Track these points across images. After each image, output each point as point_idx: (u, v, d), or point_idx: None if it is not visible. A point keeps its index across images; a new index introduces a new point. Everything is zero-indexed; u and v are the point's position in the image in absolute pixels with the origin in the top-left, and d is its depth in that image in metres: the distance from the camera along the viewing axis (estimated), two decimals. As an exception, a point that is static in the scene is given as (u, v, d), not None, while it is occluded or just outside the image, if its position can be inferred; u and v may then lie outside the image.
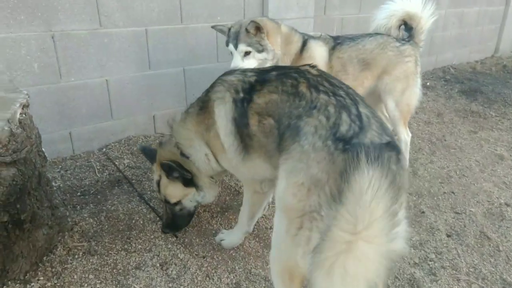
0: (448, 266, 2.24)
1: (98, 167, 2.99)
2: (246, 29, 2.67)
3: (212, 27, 2.88)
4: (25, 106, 1.72)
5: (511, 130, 4.25)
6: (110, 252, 2.14)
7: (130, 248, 2.19)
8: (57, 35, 2.84)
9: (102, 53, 3.09)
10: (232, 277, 2.07)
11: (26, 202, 1.76)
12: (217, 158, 2.02)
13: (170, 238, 2.30)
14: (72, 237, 2.20)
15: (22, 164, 1.66)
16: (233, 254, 2.23)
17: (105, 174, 2.93)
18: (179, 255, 2.17)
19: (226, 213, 2.59)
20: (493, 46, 7.77)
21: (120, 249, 2.17)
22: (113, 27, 3.08)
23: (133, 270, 2.04)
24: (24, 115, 1.68)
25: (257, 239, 2.35)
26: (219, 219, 2.53)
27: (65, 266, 2.01)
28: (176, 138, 2.11)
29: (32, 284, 1.87)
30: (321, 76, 1.68)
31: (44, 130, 2.38)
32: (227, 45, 2.77)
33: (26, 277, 1.90)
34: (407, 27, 3.27)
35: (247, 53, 2.70)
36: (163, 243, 2.25)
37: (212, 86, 1.97)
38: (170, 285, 1.98)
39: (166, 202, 2.21)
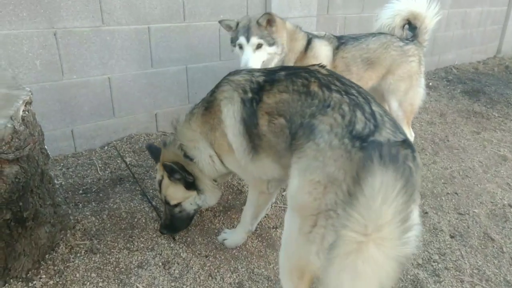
0: (452, 267, 2.23)
1: (100, 165, 2.98)
2: (258, 22, 2.64)
3: (219, 21, 2.83)
4: (28, 103, 1.70)
5: (514, 131, 4.24)
6: (112, 250, 2.13)
7: (132, 246, 2.18)
8: (59, 32, 2.83)
9: (105, 51, 3.07)
10: (234, 277, 2.05)
11: (28, 199, 1.75)
12: (222, 159, 2.00)
13: (176, 234, 2.29)
14: (74, 235, 2.19)
15: (25, 162, 1.65)
16: (236, 254, 2.21)
17: (107, 172, 2.91)
18: (181, 254, 2.16)
19: (229, 212, 2.58)
20: (495, 46, 7.75)
21: (122, 248, 2.16)
22: (116, 25, 3.07)
23: (136, 269, 2.03)
24: (27, 112, 1.67)
25: (260, 239, 2.34)
26: (222, 218, 2.52)
27: (67, 264, 2.00)
28: (180, 139, 2.09)
29: (34, 282, 1.86)
30: (332, 76, 1.68)
31: (46, 127, 2.37)
32: (236, 39, 2.69)
33: (28, 275, 1.89)
34: (411, 26, 3.26)
35: (258, 46, 2.66)
36: (166, 242, 2.24)
37: (218, 86, 1.95)
38: (173, 284, 1.96)
39: (166, 203, 2.20)
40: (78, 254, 2.08)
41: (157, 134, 3.57)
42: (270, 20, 2.65)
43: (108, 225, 2.32)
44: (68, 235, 2.18)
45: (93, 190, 2.67)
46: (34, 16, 2.70)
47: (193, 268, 2.07)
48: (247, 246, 2.28)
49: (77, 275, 1.95)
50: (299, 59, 2.87)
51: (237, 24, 2.73)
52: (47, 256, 2.02)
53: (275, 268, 2.13)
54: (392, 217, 1.10)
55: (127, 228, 2.32)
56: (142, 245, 2.20)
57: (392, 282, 1.14)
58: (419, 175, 1.38)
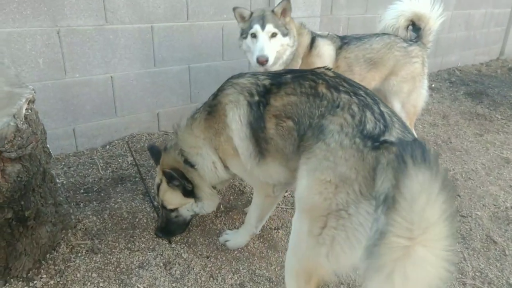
0: (454, 270, 2.22)
1: (102, 164, 2.97)
2: (273, 11, 2.63)
3: (234, 8, 2.76)
4: (31, 101, 1.70)
5: (517, 134, 4.22)
6: (113, 250, 2.12)
7: (133, 247, 2.17)
8: (62, 31, 2.82)
9: (107, 50, 3.07)
10: (236, 278, 2.04)
11: (30, 198, 1.75)
12: (227, 163, 1.98)
13: (173, 238, 2.28)
14: (75, 235, 2.18)
15: (27, 160, 1.64)
16: (237, 255, 2.20)
17: (108, 171, 2.91)
18: (182, 255, 2.15)
19: (230, 213, 2.57)
20: (498, 48, 7.73)
21: (123, 248, 2.15)
22: (119, 23, 3.06)
23: (137, 269, 2.02)
24: (30, 111, 1.66)
25: (261, 240, 2.33)
26: (223, 219, 2.51)
27: (68, 264, 1.99)
28: (182, 145, 2.05)
29: (35, 282, 1.85)
30: (339, 77, 1.68)
31: (48, 126, 2.35)
32: (249, 28, 2.64)
33: (28, 274, 1.88)
34: (415, 27, 3.25)
35: (273, 35, 2.63)
36: (167, 242, 2.23)
37: (221, 89, 1.91)
38: (174, 285, 1.95)
39: (163, 207, 2.17)
40: (79, 254, 2.07)
41: (159, 133, 3.56)
42: (285, 10, 2.63)
43: (109, 225, 2.32)
44: (69, 234, 2.17)
45: (95, 189, 2.66)
46: (37, 14, 2.69)
47: (194, 269, 2.06)
48: (249, 247, 2.26)
49: (78, 275, 1.94)
50: (305, 57, 2.87)
51: (251, 14, 2.69)
52: (48, 255, 2.01)
53: (276, 270, 2.12)
54: (438, 217, 1.09)
55: (128, 228, 2.31)
56: (143, 245, 2.19)
57: (445, 282, 1.11)
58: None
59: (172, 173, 2.00)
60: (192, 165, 2.05)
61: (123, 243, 2.18)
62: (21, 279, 1.85)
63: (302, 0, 3.99)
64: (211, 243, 2.28)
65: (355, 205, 1.37)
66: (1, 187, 1.53)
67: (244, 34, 2.72)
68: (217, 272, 2.07)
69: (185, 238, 2.29)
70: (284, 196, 2.74)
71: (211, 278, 2.02)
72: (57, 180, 2.59)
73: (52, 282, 1.88)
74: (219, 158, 1.98)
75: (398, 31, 3.20)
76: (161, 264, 2.07)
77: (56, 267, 1.96)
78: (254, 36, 2.65)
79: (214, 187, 2.17)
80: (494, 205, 2.89)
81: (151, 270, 2.02)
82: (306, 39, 2.87)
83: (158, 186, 2.15)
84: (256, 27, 2.61)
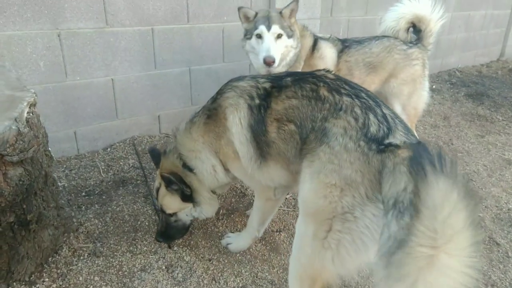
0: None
1: (103, 167, 2.97)
2: (281, 12, 2.61)
3: (239, 8, 2.71)
4: (32, 105, 1.69)
5: (518, 135, 4.22)
6: (115, 253, 2.12)
7: (135, 250, 2.16)
8: (63, 34, 2.82)
9: (108, 52, 3.07)
10: (238, 281, 2.04)
11: (32, 202, 1.74)
12: (228, 167, 1.97)
13: (175, 240, 2.27)
14: (78, 238, 2.18)
15: (29, 164, 1.64)
16: (240, 258, 2.20)
17: (110, 174, 2.90)
18: (185, 258, 2.15)
19: (232, 215, 2.56)
20: (498, 49, 7.73)
21: (125, 251, 2.14)
22: (120, 26, 3.06)
23: (139, 273, 2.01)
24: (31, 114, 1.66)
25: (263, 243, 2.33)
26: (225, 222, 2.50)
27: (70, 267, 1.99)
28: (180, 149, 2.04)
29: (37, 285, 1.85)
30: (340, 80, 1.67)
31: (49, 129, 2.34)
32: (254, 29, 2.61)
33: (31, 278, 1.88)
34: (416, 29, 3.24)
35: (279, 36, 2.61)
36: (165, 245, 2.22)
37: (221, 92, 1.90)
38: (176, 288, 1.95)
39: (162, 211, 2.16)
40: (81, 257, 2.06)
41: (160, 136, 3.56)
42: (293, 11, 2.63)
43: (111, 227, 2.31)
44: (71, 237, 2.16)
45: (96, 192, 2.66)
46: (38, 17, 2.69)
47: (197, 272, 2.06)
48: (251, 250, 2.26)
49: (80, 278, 1.93)
50: (307, 58, 2.86)
51: (256, 14, 2.66)
52: (50, 259, 2.00)
53: (279, 272, 2.12)
54: (462, 225, 1.07)
55: (130, 231, 2.31)
56: (145, 248, 2.18)
57: None
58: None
59: (170, 177, 1.98)
60: (190, 169, 2.04)
61: (125, 246, 2.18)
62: (23, 283, 1.85)
63: (302, 2, 3.99)
64: (213, 245, 2.28)
65: (361, 208, 1.36)
66: (3, 190, 1.53)
67: (248, 34, 2.69)
68: (219, 275, 2.06)
69: (187, 241, 2.29)
70: (286, 198, 2.74)
71: (213, 281, 2.02)
72: (59, 183, 2.59)
73: (54, 285, 1.87)
74: (219, 161, 1.97)
75: (398, 34, 3.20)
76: (163, 267, 2.06)
77: (59, 271, 1.96)
78: (259, 36, 2.63)
79: (213, 192, 2.16)
80: (497, 206, 2.88)
81: (153, 273, 2.01)
82: (309, 41, 2.87)
83: (157, 190, 2.14)
84: (262, 28, 2.60)
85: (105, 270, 2.00)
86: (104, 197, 2.60)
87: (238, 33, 3.67)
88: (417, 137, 1.99)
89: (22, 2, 2.61)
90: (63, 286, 1.88)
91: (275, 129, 1.68)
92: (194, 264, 2.11)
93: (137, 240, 2.23)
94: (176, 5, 3.31)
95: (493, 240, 2.50)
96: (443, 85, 5.92)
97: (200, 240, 2.31)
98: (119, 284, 1.93)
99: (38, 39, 2.73)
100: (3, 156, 1.48)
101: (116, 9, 3.01)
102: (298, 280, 1.60)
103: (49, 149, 1.94)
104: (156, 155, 2.25)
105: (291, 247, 1.69)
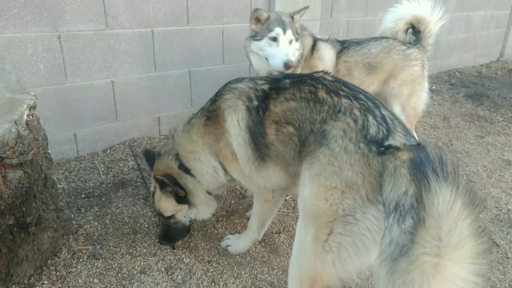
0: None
1: (103, 169, 2.97)
2: (293, 17, 2.63)
3: (255, 9, 2.65)
4: (32, 107, 1.70)
5: (518, 135, 4.22)
6: (115, 256, 2.12)
7: (135, 252, 2.16)
8: (63, 36, 2.83)
9: (108, 54, 3.07)
10: (238, 283, 2.04)
11: (31, 205, 1.74)
12: (227, 168, 1.97)
13: (178, 242, 2.27)
14: (77, 240, 2.18)
15: (29, 167, 1.64)
16: (239, 259, 2.20)
17: (109, 176, 2.91)
18: (184, 260, 2.15)
19: (232, 217, 2.56)
20: (498, 50, 7.74)
21: (125, 253, 2.14)
22: (120, 28, 3.07)
23: (138, 275, 2.01)
24: (31, 117, 1.66)
25: (263, 244, 2.33)
26: (225, 223, 2.50)
27: (70, 270, 1.99)
28: (179, 150, 2.03)
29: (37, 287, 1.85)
30: (338, 82, 1.67)
31: (49, 131, 2.36)
32: (268, 31, 2.58)
33: (30, 281, 1.88)
34: (415, 30, 3.25)
35: (290, 41, 2.62)
36: (168, 247, 2.23)
37: (220, 94, 1.91)
38: (176, 290, 1.95)
39: (160, 214, 2.16)
40: (81, 260, 2.07)
41: (159, 137, 3.56)
42: (301, 16, 2.65)
43: (111, 230, 2.31)
44: (70, 240, 2.17)
45: (96, 194, 2.66)
46: (38, 19, 2.70)
47: (196, 274, 2.06)
48: (250, 251, 2.26)
49: (80, 280, 1.94)
50: (307, 60, 2.87)
51: (268, 17, 2.64)
52: (49, 261, 2.01)
53: (278, 274, 2.12)
54: (467, 234, 1.07)
55: (129, 233, 2.31)
56: (144, 250, 2.19)
57: None
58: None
59: (164, 179, 1.98)
60: (187, 171, 2.04)
61: (125, 248, 2.18)
62: (22, 286, 1.85)
63: (302, 3, 3.99)
64: (212, 247, 2.28)
65: (362, 210, 1.37)
66: (3, 193, 1.53)
67: (258, 36, 2.65)
68: (218, 277, 2.06)
69: (187, 243, 2.29)
70: (286, 200, 2.74)
71: (213, 283, 2.02)
72: (58, 185, 2.59)
73: (53, 288, 1.88)
74: (219, 163, 1.97)
75: (397, 35, 3.20)
76: (163, 269, 2.07)
77: (58, 273, 1.96)
78: (274, 39, 2.59)
79: (209, 193, 2.15)
80: (496, 207, 2.88)
81: (153, 275, 2.01)
82: (308, 42, 2.88)
83: (153, 194, 2.13)
84: (278, 31, 2.58)
85: (104, 273, 2.00)
86: (103, 199, 2.61)
87: (238, 34, 3.69)
88: (417, 139, 2.01)
89: (22, 5, 2.61)
90: (63, 288, 1.88)
91: (274, 131, 1.68)
92: (194, 266, 2.11)
93: (136, 242, 2.23)
94: (176, 7, 3.31)
95: (493, 241, 2.50)
96: (442, 86, 5.93)
97: (199, 242, 2.31)
98: (119, 286, 1.93)
99: (38, 42, 2.74)
100: (2, 158, 1.49)
101: (116, 11, 3.01)
102: (298, 282, 1.60)
103: (49, 151, 1.95)
104: (151, 157, 2.24)
105: (291, 249, 1.69)
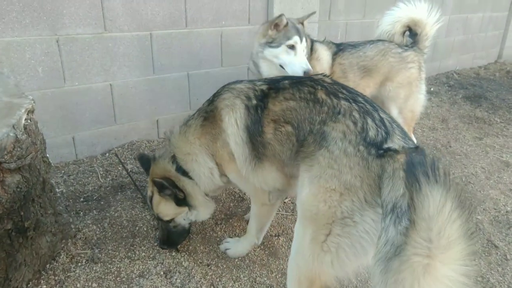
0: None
1: (101, 172, 2.97)
2: (303, 23, 2.65)
3: (281, 15, 2.57)
4: (30, 111, 1.70)
5: (517, 137, 4.23)
6: (113, 259, 2.11)
7: (133, 255, 2.16)
8: (61, 39, 2.83)
9: (106, 58, 3.07)
10: (237, 286, 2.04)
11: (30, 209, 1.74)
12: (224, 169, 1.97)
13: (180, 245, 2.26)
14: (75, 244, 2.18)
15: (27, 171, 1.64)
16: (238, 263, 2.20)
17: (108, 179, 2.90)
18: (183, 263, 2.15)
19: (231, 220, 2.56)
20: (496, 52, 7.76)
21: (123, 257, 2.14)
22: (118, 31, 3.07)
23: (137, 278, 2.01)
24: (29, 121, 1.67)
25: (262, 247, 2.32)
26: (224, 226, 2.50)
27: (68, 274, 1.98)
28: (176, 152, 2.02)
29: (35, 292, 1.85)
30: (337, 84, 1.69)
31: (47, 134, 2.36)
32: (286, 39, 2.55)
33: (28, 285, 1.88)
34: (412, 33, 3.26)
35: (304, 48, 2.64)
36: (167, 250, 2.22)
37: (217, 95, 1.91)
38: (175, 293, 1.95)
39: (159, 219, 2.14)
40: (79, 264, 2.06)
41: (158, 140, 3.56)
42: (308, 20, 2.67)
43: (109, 233, 2.31)
44: (69, 244, 2.16)
45: (94, 197, 2.66)
46: (37, 23, 2.70)
47: (195, 277, 2.06)
48: (249, 255, 2.26)
49: (78, 285, 1.93)
50: None
51: (287, 23, 2.59)
52: (48, 265, 2.00)
53: (277, 277, 2.11)
54: (457, 235, 1.08)
55: (128, 236, 2.31)
56: (143, 254, 2.18)
57: None
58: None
59: (163, 182, 1.96)
60: (184, 173, 2.02)
61: (123, 252, 2.17)
62: (21, 290, 1.85)
63: (300, 5, 4.00)
64: (211, 251, 2.28)
65: (360, 213, 1.37)
66: (1, 198, 1.53)
67: (275, 43, 2.60)
68: (217, 280, 2.06)
69: (186, 246, 2.29)
70: (284, 202, 2.74)
71: (212, 287, 2.01)
72: (57, 189, 2.60)
73: (52, 292, 1.87)
74: (216, 164, 1.97)
75: (393, 37, 3.22)
76: (162, 273, 2.06)
77: (56, 277, 1.96)
78: (292, 47, 2.58)
79: (207, 194, 2.14)
80: (495, 209, 2.88)
81: (152, 279, 2.01)
82: (307, 43, 2.89)
83: (151, 199, 2.11)
84: (296, 39, 2.57)
85: (103, 277, 2.00)
86: (102, 202, 2.60)
87: (236, 37, 3.70)
88: (415, 141, 2.01)
89: (21, 9, 2.62)
90: (61, 292, 1.88)
91: (272, 130, 1.69)
92: (193, 270, 2.11)
93: (135, 246, 2.23)
94: (175, 10, 3.32)
95: (492, 243, 2.50)
96: (441, 88, 5.94)
97: (198, 245, 2.31)
98: (117, 290, 1.93)
99: (37, 45, 2.74)
100: (0, 163, 1.49)
101: (115, 14, 3.02)
102: (297, 282, 1.60)
103: (47, 155, 1.95)
104: (146, 161, 2.21)
105: (290, 251, 1.70)
